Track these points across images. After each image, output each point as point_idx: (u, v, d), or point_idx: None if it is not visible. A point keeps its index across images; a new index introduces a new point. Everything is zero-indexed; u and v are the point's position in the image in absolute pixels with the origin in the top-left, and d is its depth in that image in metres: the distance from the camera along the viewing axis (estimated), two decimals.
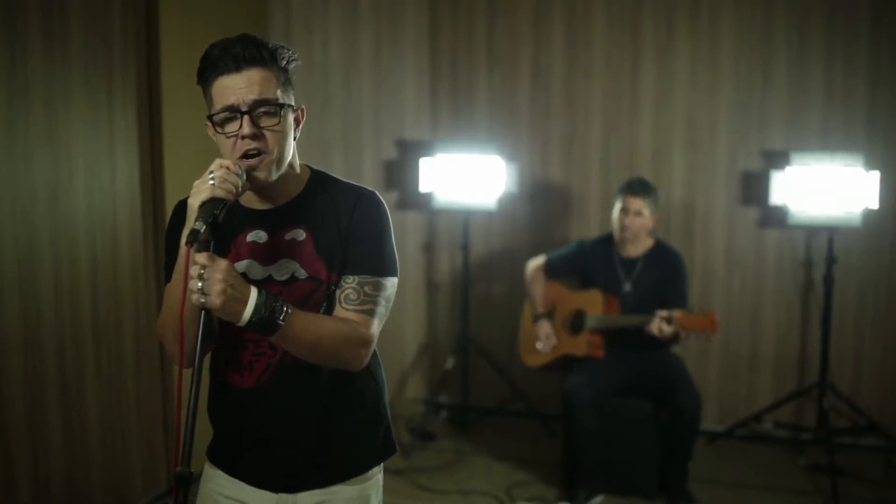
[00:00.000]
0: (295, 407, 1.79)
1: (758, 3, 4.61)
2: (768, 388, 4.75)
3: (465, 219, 4.82)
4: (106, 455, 3.48)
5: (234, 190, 1.60)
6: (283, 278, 1.75)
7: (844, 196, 4.14)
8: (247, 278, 1.72)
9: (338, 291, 1.76)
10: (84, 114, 3.33)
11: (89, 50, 3.34)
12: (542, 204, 5.02)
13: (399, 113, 5.16)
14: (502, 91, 5.05)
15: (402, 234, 5.21)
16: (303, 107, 1.81)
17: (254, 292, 1.60)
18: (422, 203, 5.01)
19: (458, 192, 4.72)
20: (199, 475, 1.83)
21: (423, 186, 4.83)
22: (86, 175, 3.35)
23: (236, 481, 1.84)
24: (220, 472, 1.86)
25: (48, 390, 3.19)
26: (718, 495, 3.97)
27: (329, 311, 1.77)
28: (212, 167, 1.61)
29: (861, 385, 4.60)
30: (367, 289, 1.77)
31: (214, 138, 1.73)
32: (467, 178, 4.68)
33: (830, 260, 4.29)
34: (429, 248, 5.27)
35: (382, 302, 1.80)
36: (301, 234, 1.76)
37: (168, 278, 1.75)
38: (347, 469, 1.86)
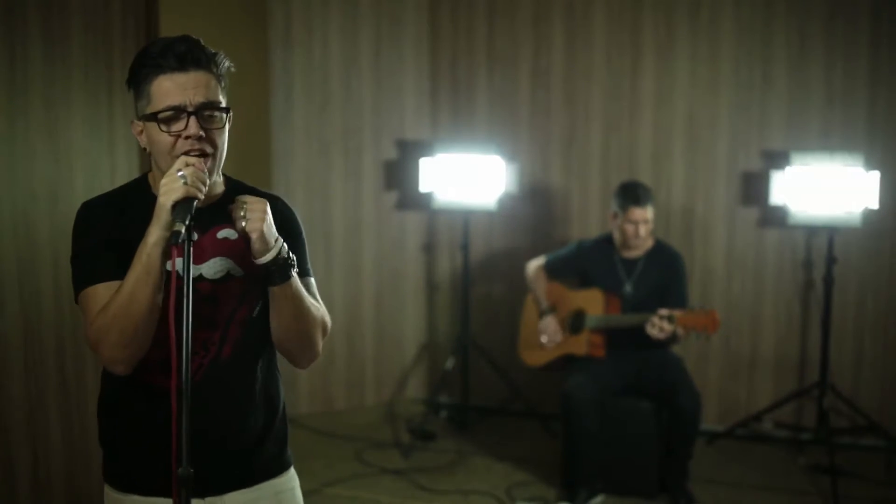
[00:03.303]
0: (226, 406, 1.77)
1: (758, 4, 4.61)
2: (768, 388, 4.75)
3: (465, 219, 4.82)
4: None
5: (204, 188, 1.60)
6: (217, 277, 1.74)
7: (844, 196, 4.14)
8: (177, 276, 1.64)
9: None
10: (84, 114, 3.33)
11: (89, 50, 3.34)
12: (542, 204, 5.02)
13: (399, 113, 5.16)
14: (502, 91, 5.05)
15: (402, 233, 5.22)
16: (231, 112, 1.77)
17: (279, 238, 1.67)
18: (422, 203, 5.01)
19: (458, 192, 4.72)
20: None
21: (423, 186, 4.83)
22: (86, 175, 3.35)
23: (155, 499, 1.74)
24: (133, 497, 1.76)
25: (48, 390, 3.19)
26: (718, 495, 3.97)
27: (265, 309, 1.78)
28: (177, 165, 1.59)
29: (861, 385, 4.60)
30: (311, 290, 1.84)
31: (139, 137, 1.71)
32: (467, 178, 4.68)
33: (830, 260, 4.29)
34: (429, 248, 5.27)
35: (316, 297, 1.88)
36: (233, 234, 1.76)
37: (87, 281, 1.70)
38: (274, 466, 1.87)
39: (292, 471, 1.94)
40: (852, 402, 4.43)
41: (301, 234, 1.89)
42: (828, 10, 4.50)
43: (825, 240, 4.36)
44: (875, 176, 4.15)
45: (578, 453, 3.86)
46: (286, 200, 1.91)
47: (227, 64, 1.73)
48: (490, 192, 4.66)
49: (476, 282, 5.03)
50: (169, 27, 3.62)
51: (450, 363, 4.94)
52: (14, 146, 3.03)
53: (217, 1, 4.02)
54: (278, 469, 1.89)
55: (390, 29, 5.07)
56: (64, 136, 3.24)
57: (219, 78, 1.71)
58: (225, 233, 1.76)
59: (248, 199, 1.66)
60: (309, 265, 1.89)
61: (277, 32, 4.73)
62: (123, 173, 3.54)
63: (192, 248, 1.56)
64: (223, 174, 1.84)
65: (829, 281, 4.29)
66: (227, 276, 1.75)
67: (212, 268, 1.74)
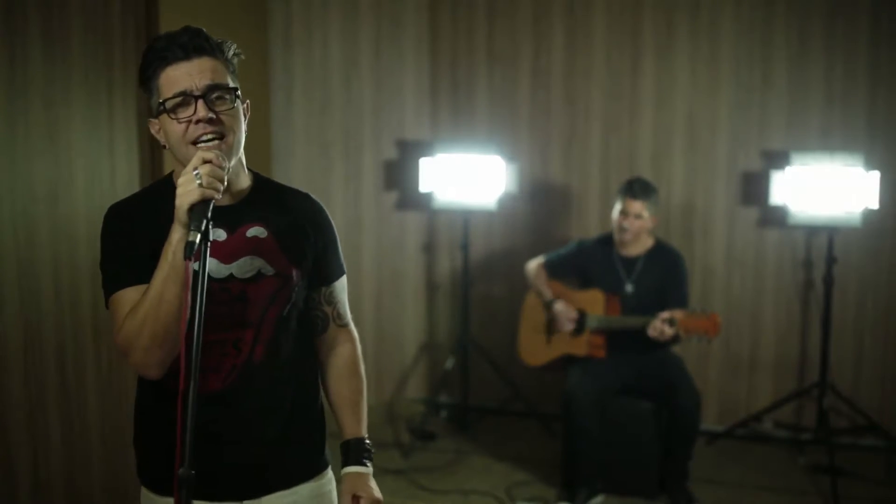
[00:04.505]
0: (262, 407, 1.76)
1: (758, 3, 4.61)
2: (768, 388, 4.75)
3: (465, 219, 4.82)
4: (106, 455, 3.48)
5: (222, 185, 1.56)
6: (247, 276, 1.72)
7: (844, 196, 4.14)
8: (208, 277, 1.64)
9: (328, 308, 1.87)
10: (84, 114, 3.33)
11: (89, 50, 3.33)
12: (542, 204, 5.02)
13: (399, 113, 5.16)
14: (502, 91, 5.05)
15: (402, 233, 5.22)
16: (248, 101, 1.77)
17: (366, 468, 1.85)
18: (422, 203, 5.01)
19: (458, 192, 4.72)
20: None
21: (423, 186, 4.83)
22: (86, 175, 3.35)
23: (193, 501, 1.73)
24: (168, 500, 1.71)
25: (48, 390, 3.19)
26: (718, 495, 3.97)
27: (297, 305, 1.78)
28: (193, 162, 1.54)
29: (861, 385, 4.60)
30: (343, 295, 1.91)
31: (158, 136, 1.69)
32: (467, 178, 4.68)
33: (830, 260, 4.29)
34: (429, 248, 5.27)
35: (347, 297, 1.94)
36: (263, 232, 1.74)
37: (115, 285, 1.68)
38: (310, 467, 1.87)
39: (329, 473, 1.92)
40: (852, 402, 4.43)
41: (335, 232, 1.89)
42: (828, 9, 4.50)
43: (825, 240, 4.36)
44: (875, 176, 4.16)
45: (578, 453, 3.86)
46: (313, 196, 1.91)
47: (233, 50, 1.72)
48: (490, 192, 4.66)
49: (476, 282, 5.03)
50: (169, 27, 3.58)
51: (450, 363, 4.94)
52: (14, 146, 3.03)
53: (217, 1, 4.02)
54: (314, 471, 1.88)
55: (390, 29, 5.07)
56: (64, 136, 3.24)
57: (226, 63, 1.69)
58: (254, 231, 1.74)
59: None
60: (342, 261, 1.91)
61: (277, 32, 4.73)
62: (123, 173, 3.54)
63: (209, 251, 1.53)
64: (251, 170, 1.83)
65: (829, 281, 4.29)
66: (258, 275, 1.73)
67: (242, 267, 1.72)
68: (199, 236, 1.49)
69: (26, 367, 3.09)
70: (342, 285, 1.90)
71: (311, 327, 1.89)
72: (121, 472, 3.57)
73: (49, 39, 3.14)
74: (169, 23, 3.61)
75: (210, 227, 1.52)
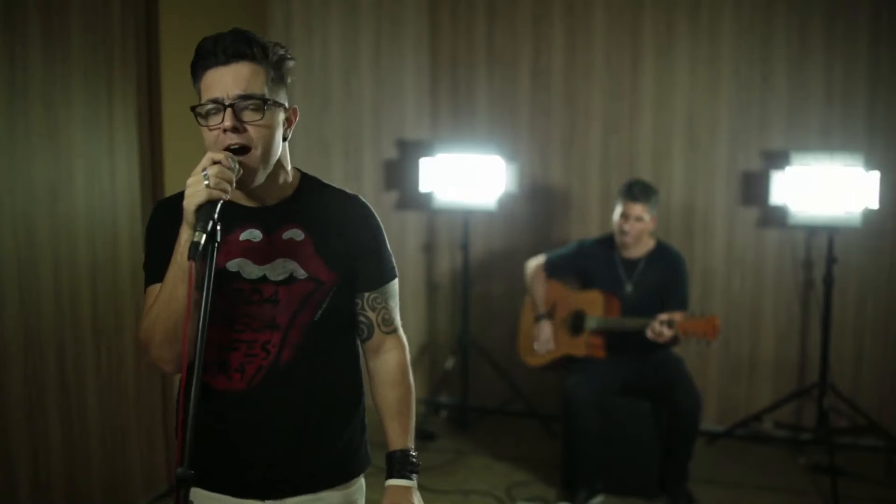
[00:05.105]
0: (287, 409, 1.75)
1: (758, 3, 4.61)
2: (768, 388, 4.75)
3: (465, 219, 4.82)
4: (106, 455, 3.48)
5: (231, 186, 1.56)
6: (280, 278, 1.72)
7: (844, 196, 4.14)
8: (239, 277, 1.70)
9: (372, 314, 1.83)
10: (84, 114, 3.33)
11: (89, 50, 3.34)
12: (542, 204, 5.02)
13: (399, 113, 5.16)
14: (502, 91, 5.05)
15: (402, 233, 5.22)
16: (295, 107, 1.77)
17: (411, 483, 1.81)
18: (422, 203, 5.01)
19: (458, 192, 4.72)
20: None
21: (423, 186, 4.83)
22: (86, 175, 3.35)
23: (218, 495, 1.76)
24: (196, 490, 1.75)
25: (48, 390, 3.19)
26: (718, 495, 3.97)
27: (331, 313, 1.75)
28: (203, 163, 1.55)
29: (861, 385, 4.60)
30: (392, 301, 1.85)
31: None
32: (467, 178, 4.68)
33: (830, 260, 4.29)
34: (429, 248, 5.27)
35: (398, 302, 1.89)
36: (300, 235, 1.74)
37: (152, 279, 1.71)
38: (336, 474, 1.84)
39: (360, 481, 1.90)
40: (852, 402, 4.43)
41: (382, 236, 1.85)
42: (828, 9, 4.50)
43: (825, 240, 4.36)
44: (875, 176, 4.16)
45: (578, 453, 3.86)
46: (362, 197, 1.88)
47: (280, 54, 1.69)
48: (490, 192, 4.66)
49: (476, 282, 5.03)
50: (169, 27, 3.62)
51: (450, 363, 4.94)
52: (14, 146, 3.03)
53: (217, 1, 4.02)
54: (343, 478, 1.85)
55: (390, 29, 5.07)
56: (64, 136, 3.24)
57: (270, 69, 1.66)
58: (291, 233, 1.74)
59: None
60: (393, 266, 1.87)
61: (277, 32, 4.74)
62: (123, 173, 3.54)
63: (216, 252, 1.53)
64: (298, 170, 1.83)
65: (829, 281, 4.29)
66: (290, 278, 1.72)
67: (275, 269, 1.71)
68: (203, 236, 1.49)
69: (26, 367, 3.09)
70: (390, 291, 1.85)
71: (357, 333, 1.86)
72: (121, 472, 3.57)
73: (49, 39, 3.14)
74: (169, 23, 3.62)
75: (218, 228, 1.52)
